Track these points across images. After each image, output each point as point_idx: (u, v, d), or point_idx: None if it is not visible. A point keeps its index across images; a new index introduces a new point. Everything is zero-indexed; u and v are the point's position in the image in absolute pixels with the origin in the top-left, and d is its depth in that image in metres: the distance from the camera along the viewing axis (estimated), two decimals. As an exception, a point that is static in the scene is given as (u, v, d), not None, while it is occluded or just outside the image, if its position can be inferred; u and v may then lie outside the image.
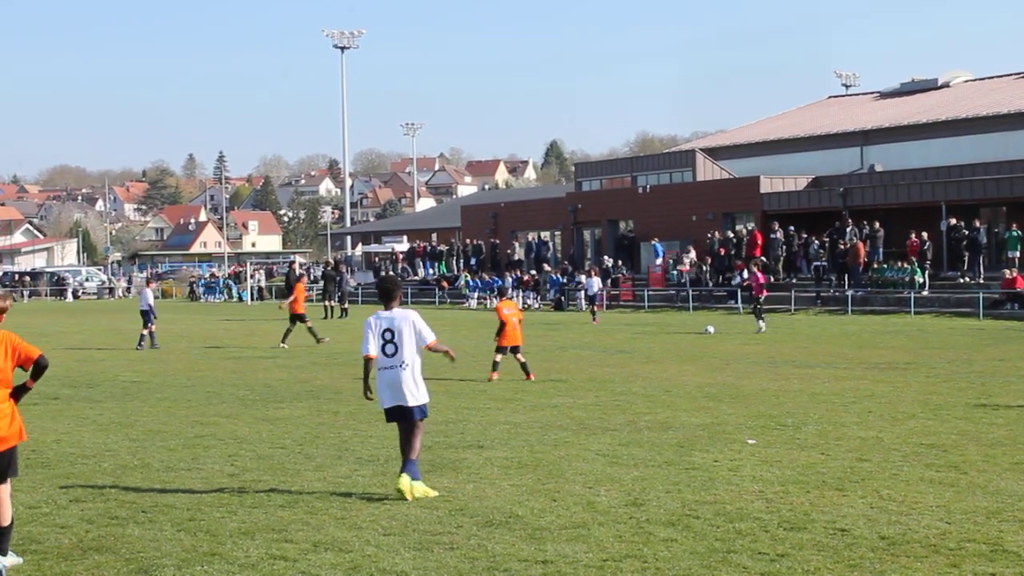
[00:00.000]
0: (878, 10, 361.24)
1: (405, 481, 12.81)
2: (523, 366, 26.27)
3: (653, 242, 64.35)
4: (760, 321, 40.78)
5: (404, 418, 13.19)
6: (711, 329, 40.51)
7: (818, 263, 55.66)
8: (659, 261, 63.41)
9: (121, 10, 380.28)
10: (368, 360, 13.48)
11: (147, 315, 37.18)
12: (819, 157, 73.04)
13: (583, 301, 60.36)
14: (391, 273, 66.95)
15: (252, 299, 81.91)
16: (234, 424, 19.22)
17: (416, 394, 13.23)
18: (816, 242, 56.16)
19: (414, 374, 13.28)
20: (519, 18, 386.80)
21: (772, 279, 56.55)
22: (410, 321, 13.36)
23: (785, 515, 11.85)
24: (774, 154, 76.34)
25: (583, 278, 50.61)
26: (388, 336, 13.28)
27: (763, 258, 56.21)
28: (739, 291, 55.43)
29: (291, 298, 38.31)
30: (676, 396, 22.34)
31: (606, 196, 73.16)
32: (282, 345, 35.98)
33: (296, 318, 37.17)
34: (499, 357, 26.40)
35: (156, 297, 40.90)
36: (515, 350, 26.44)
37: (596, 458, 15.31)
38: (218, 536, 11.28)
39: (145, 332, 37.09)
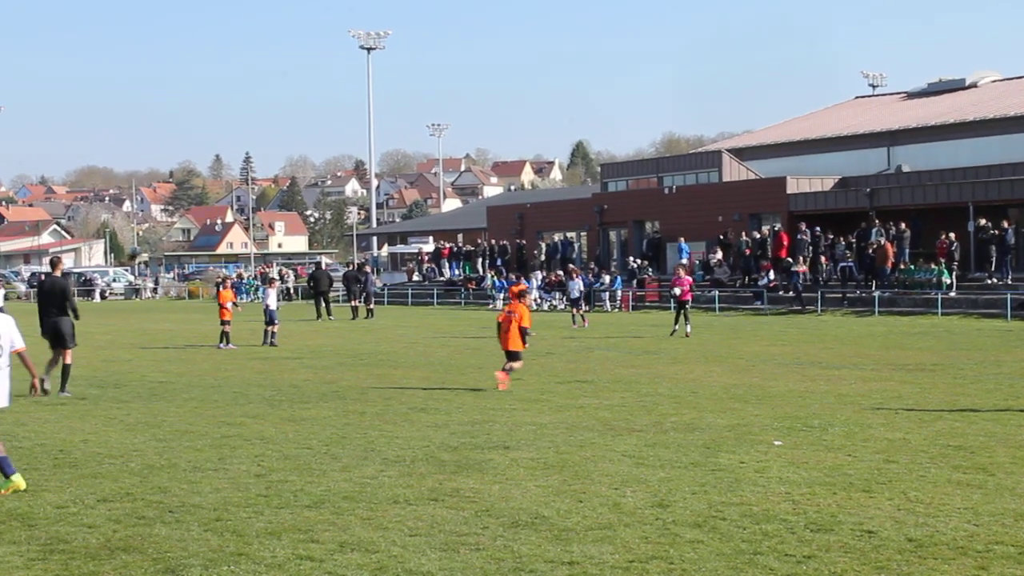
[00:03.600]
0: (905, 10, 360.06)
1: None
2: (507, 367, 24.37)
3: (679, 242, 64.25)
4: (687, 325, 39.04)
5: None
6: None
7: (845, 264, 55.46)
8: (685, 261, 63.28)
9: (149, 11, 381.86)
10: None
11: (270, 314, 38.01)
12: (846, 157, 72.90)
13: (608, 302, 60.37)
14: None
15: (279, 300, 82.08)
16: (260, 424, 19.26)
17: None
18: (843, 243, 55.99)
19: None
20: (544, 17, 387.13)
21: (819, 279, 56.55)
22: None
23: (812, 516, 11.82)
24: (800, 155, 76.20)
25: (578, 280, 49.33)
26: None
27: (789, 259, 56.17)
28: (765, 292, 55.42)
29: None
30: (702, 397, 22.29)
31: (632, 197, 73.13)
32: (223, 347, 36.47)
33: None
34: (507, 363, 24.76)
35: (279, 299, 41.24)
36: (509, 356, 24.59)
37: (622, 459, 15.29)
38: (245, 536, 11.31)
39: (272, 330, 37.83)
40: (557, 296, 63.83)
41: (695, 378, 26.00)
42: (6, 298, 55.71)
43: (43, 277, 26.78)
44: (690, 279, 41.69)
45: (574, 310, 47.56)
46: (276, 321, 38.18)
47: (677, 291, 39.33)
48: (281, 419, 19.92)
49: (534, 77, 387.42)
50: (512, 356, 24.58)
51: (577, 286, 48.81)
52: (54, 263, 25.88)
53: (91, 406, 22.16)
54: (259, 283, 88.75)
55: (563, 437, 17.32)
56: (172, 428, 18.95)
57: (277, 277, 49.63)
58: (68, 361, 24.18)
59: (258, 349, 36.05)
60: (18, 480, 13.55)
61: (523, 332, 24.62)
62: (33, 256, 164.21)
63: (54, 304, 24.09)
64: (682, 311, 39.40)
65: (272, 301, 38.61)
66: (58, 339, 23.98)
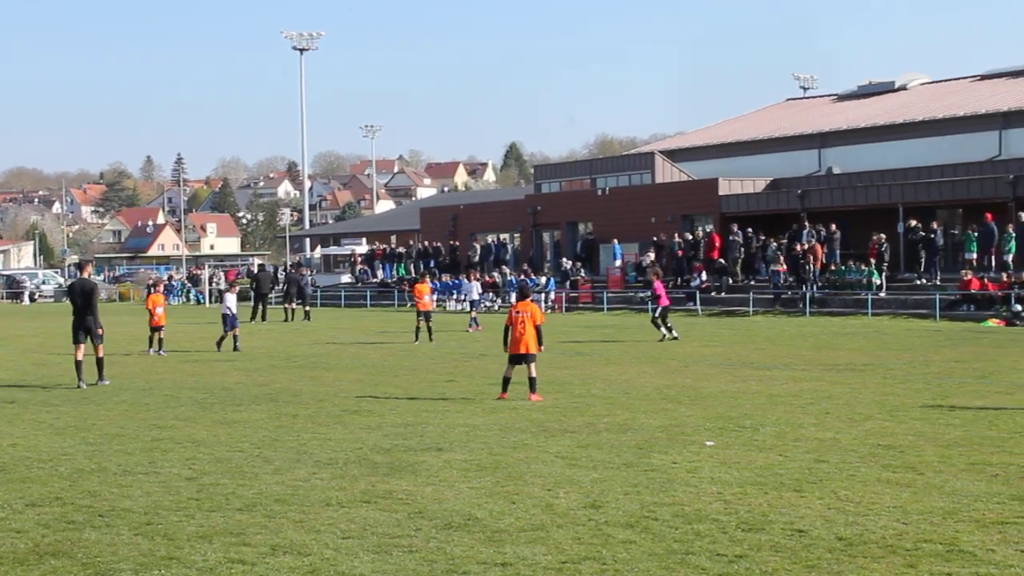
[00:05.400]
0: (836, 11, 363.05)
1: None
2: (530, 381, 22.39)
3: (612, 243, 64.44)
4: (667, 329, 38.40)
5: None
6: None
7: (775, 266, 55.81)
8: (618, 263, 63.52)
9: (79, 11, 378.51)
10: None
11: (229, 320, 37.17)
12: (777, 159, 73.45)
13: (542, 304, 60.46)
14: None
15: (210, 302, 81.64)
16: (192, 427, 19.13)
17: None
18: (774, 244, 56.38)
19: None
20: (479, 20, 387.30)
21: (730, 281, 56.88)
22: None
23: (743, 516, 11.89)
24: (732, 156, 76.72)
25: (475, 283, 49.08)
26: None
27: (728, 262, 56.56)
28: (698, 293, 55.71)
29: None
30: (635, 398, 22.37)
31: (565, 198, 73.29)
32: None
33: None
34: (509, 371, 22.85)
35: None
36: (524, 359, 22.49)
37: (555, 460, 15.32)
38: (176, 540, 11.23)
39: (233, 334, 37.05)
40: (491, 297, 63.92)
41: (628, 379, 26.10)
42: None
43: (73, 280, 28.15)
44: (662, 283, 40.90)
45: (473, 312, 47.31)
46: (237, 325, 37.48)
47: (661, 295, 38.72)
48: (213, 422, 19.80)
49: (467, 79, 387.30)
50: (525, 359, 22.39)
51: (475, 288, 48.82)
52: (81, 266, 29.45)
53: (20, 409, 21.94)
54: (190, 285, 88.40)
55: (496, 439, 17.32)
56: (102, 432, 18.79)
57: (228, 282, 48.20)
58: (100, 355, 26.45)
59: (191, 353, 35.71)
60: None
61: (539, 331, 22.59)
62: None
63: (85, 303, 26.23)
64: (662, 315, 38.58)
65: (232, 306, 37.63)
66: (88, 334, 26.15)
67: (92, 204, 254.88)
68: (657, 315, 38.81)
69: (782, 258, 53.89)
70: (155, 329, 36.05)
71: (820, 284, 53.08)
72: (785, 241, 55.64)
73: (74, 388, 25.62)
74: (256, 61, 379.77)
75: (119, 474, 14.78)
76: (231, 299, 38.08)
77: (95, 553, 10.81)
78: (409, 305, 41.60)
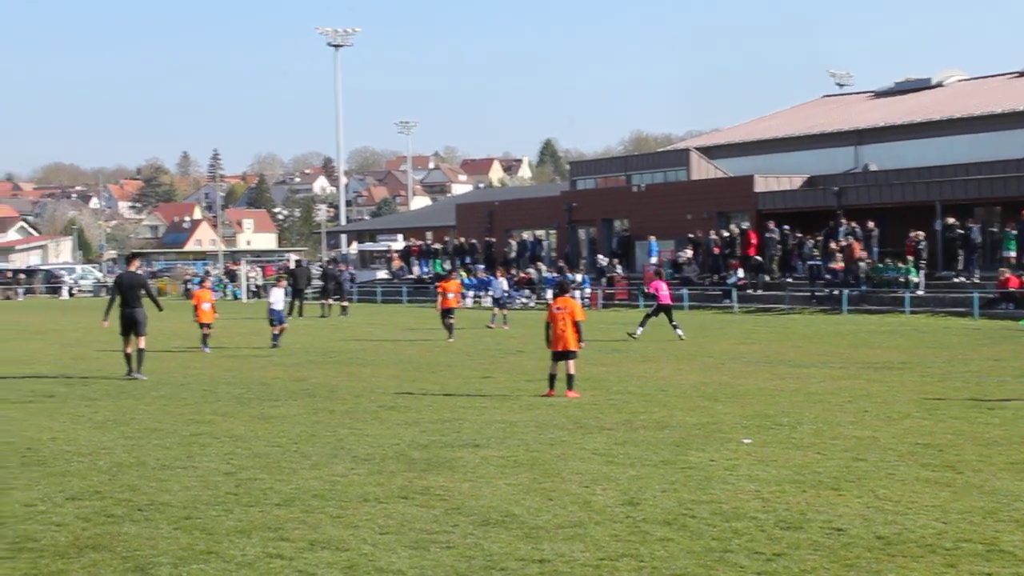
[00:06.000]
0: (873, 9, 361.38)
1: None
2: (568, 378, 22.34)
3: (648, 240, 64.31)
4: (677, 329, 37.47)
5: None
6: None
7: (813, 262, 55.61)
8: (654, 260, 63.37)
9: (115, 9, 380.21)
10: None
11: (277, 315, 36.59)
12: (813, 156, 73.13)
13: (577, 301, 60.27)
14: None
15: (247, 297, 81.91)
16: (230, 422, 19.21)
17: None
18: (811, 241, 56.14)
19: None
20: (514, 16, 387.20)
21: (767, 278, 56.67)
22: None
23: (781, 514, 11.86)
24: (768, 153, 76.42)
25: (501, 279, 48.79)
26: None
27: (758, 258, 56.43)
28: (734, 290, 55.55)
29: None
30: (672, 395, 22.33)
31: (601, 195, 73.13)
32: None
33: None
34: (554, 368, 22.55)
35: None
36: (564, 355, 22.40)
37: (592, 457, 15.31)
38: (214, 534, 11.28)
39: (279, 329, 36.44)
40: (527, 294, 63.96)
41: (665, 376, 26.04)
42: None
43: (121, 272, 28.96)
44: (666, 283, 40.41)
45: (496, 309, 46.92)
46: (284, 321, 37.05)
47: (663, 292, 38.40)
48: (250, 417, 19.88)
49: (503, 75, 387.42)
50: (566, 356, 22.33)
51: (501, 285, 48.59)
52: (129, 259, 30.02)
53: (59, 404, 22.08)
54: (227, 281, 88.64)
55: (533, 435, 17.32)
56: (141, 426, 18.89)
57: (285, 276, 47.19)
58: (142, 346, 27.10)
59: (228, 348, 35.76)
60: None
61: (579, 328, 22.45)
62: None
63: (131, 296, 27.17)
64: (667, 315, 38.03)
65: (279, 301, 37.10)
66: (133, 327, 26.95)
67: (129, 200, 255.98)
68: (651, 312, 38.50)
69: (838, 254, 53.35)
70: (202, 325, 35.62)
71: (858, 282, 52.77)
72: (822, 238, 55.42)
73: (115, 380, 25.81)
74: (291, 58, 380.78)
75: (158, 468, 14.86)
76: (278, 294, 37.53)
77: (135, 547, 10.87)
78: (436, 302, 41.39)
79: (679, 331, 37.12)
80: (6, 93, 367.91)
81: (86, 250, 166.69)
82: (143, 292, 27.61)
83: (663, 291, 38.08)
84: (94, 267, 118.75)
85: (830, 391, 22.71)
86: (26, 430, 18.59)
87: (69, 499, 13.03)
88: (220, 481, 13.94)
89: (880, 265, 52.95)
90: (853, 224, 54.50)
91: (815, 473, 14.03)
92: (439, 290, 40.35)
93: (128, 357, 27.05)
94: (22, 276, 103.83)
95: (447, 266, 71.13)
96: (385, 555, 10.46)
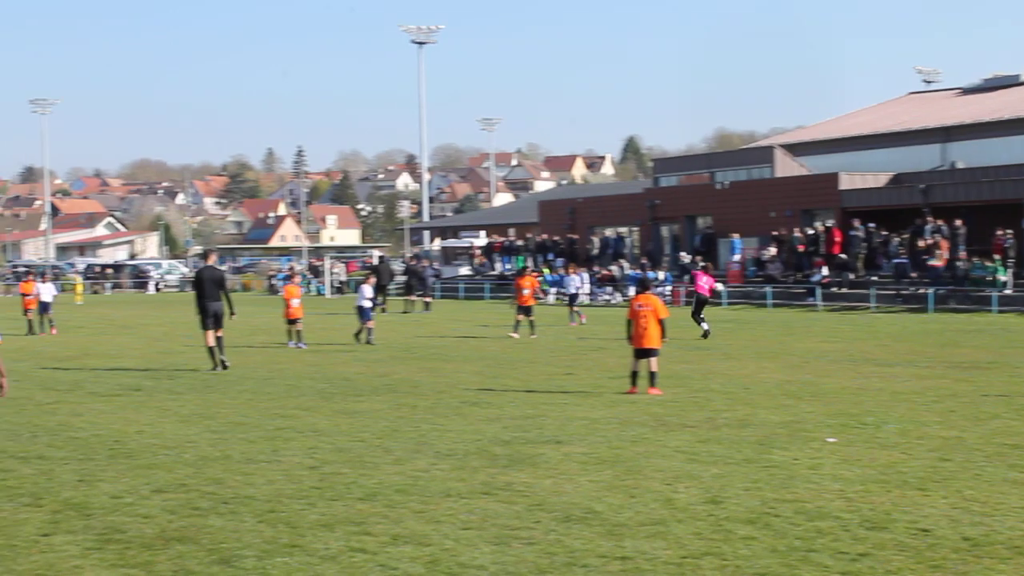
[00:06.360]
0: (961, 8, 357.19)
1: None
2: (650, 376, 22.30)
3: (731, 238, 64.02)
4: (699, 321, 37.56)
5: None
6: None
7: (898, 260, 55.08)
8: (737, 257, 63.08)
9: (200, 9, 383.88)
10: None
11: (365, 312, 36.28)
12: (899, 154, 72.41)
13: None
14: None
15: (331, 292, 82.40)
16: (313, 417, 19.35)
17: None
18: (896, 239, 55.59)
19: None
20: (597, 12, 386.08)
21: (852, 276, 56.17)
22: None
23: (866, 514, 11.76)
24: (853, 150, 75.77)
25: (571, 276, 48.64)
26: None
27: (843, 256, 55.97)
28: (818, 288, 55.12)
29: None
30: (755, 393, 22.21)
31: (684, 192, 72.82)
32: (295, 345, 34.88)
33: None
34: (636, 365, 22.45)
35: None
36: (647, 353, 22.35)
37: (674, 455, 15.26)
38: (298, 528, 11.36)
39: (367, 327, 36.03)
40: (609, 292, 63.88)
41: (747, 374, 25.91)
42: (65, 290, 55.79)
43: (200, 268, 29.00)
44: (709, 276, 39.90)
45: (571, 307, 46.62)
46: (371, 317, 36.50)
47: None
48: (334, 412, 20.00)
49: (586, 71, 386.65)
50: (648, 353, 22.23)
51: (575, 282, 48.45)
52: (206, 255, 30.34)
53: (146, 397, 22.35)
54: (311, 276, 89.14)
55: (615, 432, 17.30)
56: (226, 420, 19.07)
57: (373, 273, 47.01)
58: (220, 334, 27.62)
59: (312, 343, 35.90)
60: None
61: (663, 326, 22.33)
62: (88, 248, 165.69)
63: (211, 291, 27.57)
64: (700, 306, 38.00)
65: (368, 297, 36.72)
66: (214, 320, 27.39)
67: (215, 195, 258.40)
68: (695, 308, 38.24)
69: (941, 252, 52.71)
70: (291, 321, 35.37)
71: (957, 280, 52.14)
72: (908, 236, 54.89)
73: (201, 375, 26.10)
74: (375, 54, 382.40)
75: (242, 462, 14.99)
76: (368, 290, 37.19)
77: (220, 539, 10.98)
78: (511, 299, 41.48)
79: (704, 325, 37.04)
80: (95, 91, 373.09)
81: (172, 245, 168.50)
82: (222, 287, 27.92)
83: (701, 281, 37.87)
84: (180, 262, 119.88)
85: (916, 390, 22.48)
86: (113, 423, 18.84)
87: (155, 491, 13.18)
88: (304, 475, 14.05)
89: (967, 263, 52.29)
90: (940, 222, 53.92)
91: (900, 473, 13.90)
92: (517, 286, 40.31)
93: (211, 351, 27.43)
94: (110, 271, 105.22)
95: (528, 263, 71.23)
96: (467, 550, 10.49)
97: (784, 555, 10.26)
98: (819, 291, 55.27)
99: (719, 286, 47.56)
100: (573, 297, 47.30)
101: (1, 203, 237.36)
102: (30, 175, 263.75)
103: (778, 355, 30.69)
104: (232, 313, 27.93)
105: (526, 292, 39.13)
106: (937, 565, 9.94)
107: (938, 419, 18.53)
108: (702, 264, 45.90)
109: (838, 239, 57.45)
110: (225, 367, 27.24)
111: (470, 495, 12.81)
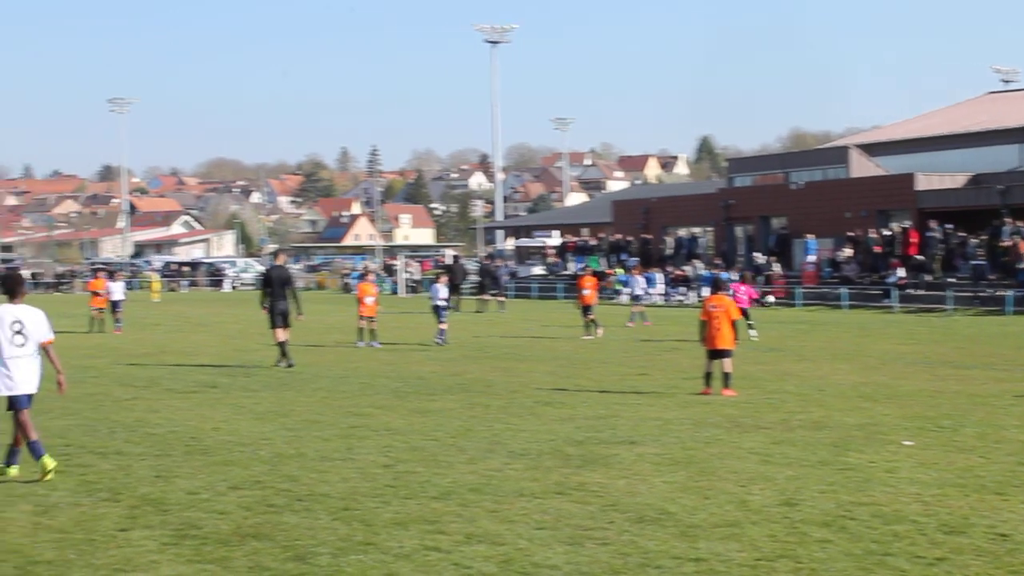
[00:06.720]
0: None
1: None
2: (724, 376, 22.16)
3: (806, 238, 63.61)
4: (748, 327, 36.47)
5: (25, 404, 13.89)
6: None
7: (976, 262, 54.51)
8: (812, 258, 62.66)
9: (273, 8, 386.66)
10: None
11: (440, 311, 36.14)
12: (977, 154, 71.58)
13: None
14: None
15: (404, 291, 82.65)
16: (388, 415, 19.42)
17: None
18: (974, 241, 55.02)
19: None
20: (668, 11, 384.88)
21: (929, 278, 55.61)
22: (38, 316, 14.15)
23: (943, 518, 11.64)
24: (930, 151, 74.98)
25: (636, 277, 48.43)
26: (17, 327, 13.81)
27: (919, 257, 55.47)
28: (894, 289, 54.64)
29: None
30: (830, 395, 22.05)
31: (758, 192, 72.47)
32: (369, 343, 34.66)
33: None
34: (709, 366, 22.38)
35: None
36: (720, 354, 22.26)
37: (749, 456, 15.19)
38: (372, 526, 11.41)
39: (439, 327, 35.75)
40: (683, 292, 63.68)
41: (822, 376, 25.74)
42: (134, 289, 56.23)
43: (269, 267, 29.96)
44: (748, 287, 39.18)
45: (633, 307, 46.28)
46: (444, 317, 36.19)
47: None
48: (408, 410, 20.07)
49: (660, 71, 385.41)
50: (721, 354, 22.14)
51: (639, 283, 48.36)
52: (276, 254, 31.12)
53: (221, 394, 22.53)
54: (385, 275, 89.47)
55: (689, 433, 17.24)
56: (301, 418, 19.19)
57: (445, 271, 46.87)
58: (287, 336, 28.05)
59: (386, 342, 35.96)
60: (47, 461, 13.75)
61: (735, 327, 22.40)
62: (164, 246, 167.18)
63: (280, 290, 28.19)
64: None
65: (442, 296, 36.60)
66: (283, 318, 27.92)
67: (290, 194, 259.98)
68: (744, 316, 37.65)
69: (1020, 253, 51.99)
70: (368, 319, 35.16)
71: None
72: (986, 238, 54.30)
73: (276, 372, 26.32)
74: (449, 54, 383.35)
75: (317, 460, 15.07)
76: (442, 290, 37.03)
77: (295, 536, 11.04)
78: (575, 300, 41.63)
79: (752, 332, 36.47)
80: (172, 90, 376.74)
81: (248, 244, 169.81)
82: (289, 287, 28.49)
83: (739, 293, 36.82)
84: (255, 260, 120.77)
85: (994, 393, 22.23)
86: (189, 420, 19.00)
87: (231, 488, 13.28)
88: (378, 473, 14.10)
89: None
90: (1018, 223, 53.29)
91: (978, 477, 13.76)
92: (579, 286, 40.72)
93: (281, 345, 27.93)
94: (186, 269, 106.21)
95: (601, 263, 71.15)
96: (541, 550, 10.49)
97: (860, 559, 10.18)
98: (895, 292, 54.82)
99: (760, 295, 46.57)
100: (637, 298, 47.30)
101: (80, 201, 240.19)
102: (108, 174, 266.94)
103: (853, 357, 30.46)
104: (299, 314, 28.23)
105: (586, 292, 39.35)
106: (1016, 570, 9.82)
107: (1016, 423, 18.32)
108: (740, 274, 45.52)
109: (914, 240, 56.96)
110: (290, 366, 27.57)
111: (544, 495, 12.81)
